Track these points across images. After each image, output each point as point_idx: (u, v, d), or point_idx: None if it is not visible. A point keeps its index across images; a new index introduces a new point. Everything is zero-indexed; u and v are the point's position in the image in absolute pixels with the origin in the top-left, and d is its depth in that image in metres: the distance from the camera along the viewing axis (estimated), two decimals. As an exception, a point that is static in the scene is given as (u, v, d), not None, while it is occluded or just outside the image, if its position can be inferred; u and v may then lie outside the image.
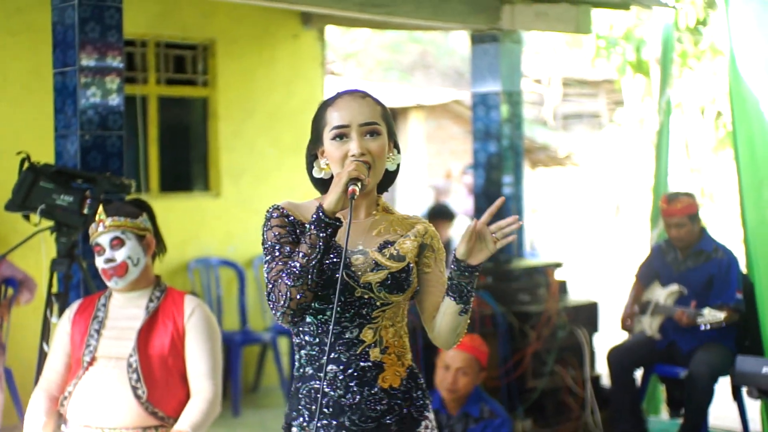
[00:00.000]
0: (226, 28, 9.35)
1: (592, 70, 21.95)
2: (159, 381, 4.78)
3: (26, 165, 5.57)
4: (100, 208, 4.93)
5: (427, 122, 20.57)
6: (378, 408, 3.26)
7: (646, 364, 7.54)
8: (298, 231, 3.27)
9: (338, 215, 3.13)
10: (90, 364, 4.81)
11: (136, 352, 4.78)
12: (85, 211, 5.46)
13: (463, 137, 20.72)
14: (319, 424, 3.26)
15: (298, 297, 3.13)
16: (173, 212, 8.77)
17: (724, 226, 12.48)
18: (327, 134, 3.32)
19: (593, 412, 7.82)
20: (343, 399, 3.25)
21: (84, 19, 5.74)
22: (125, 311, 4.92)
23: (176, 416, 4.79)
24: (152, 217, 5.09)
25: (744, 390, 7.19)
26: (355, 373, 3.25)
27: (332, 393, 3.26)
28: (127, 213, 4.93)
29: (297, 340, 3.35)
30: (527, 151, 17.53)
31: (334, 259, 3.22)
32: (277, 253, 3.23)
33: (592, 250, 20.16)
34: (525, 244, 8.84)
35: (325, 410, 3.26)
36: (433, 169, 20.17)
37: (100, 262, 4.88)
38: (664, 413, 8.29)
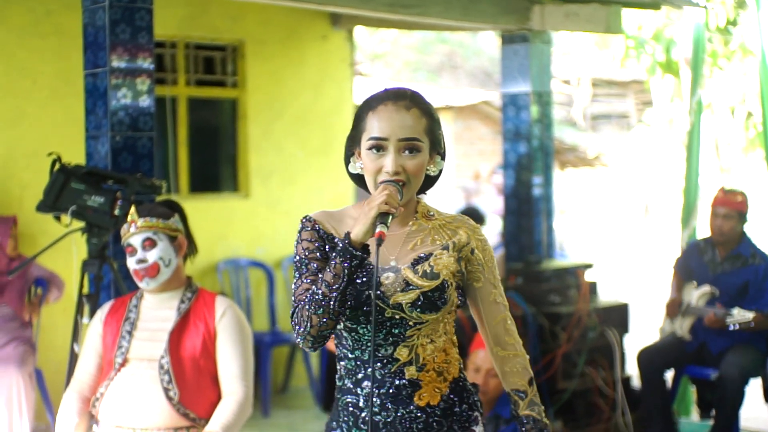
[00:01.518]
0: (255, 29, 9.37)
1: (621, 71, 21.86)
2: (190, 382, 4.79)
3: (57, 166, 5.58)
4: (132, 209, 4.93)
5: (455, 123, 20.56)
6: (413, 427, 3.15)
7: (676, 365, 7.51)
8: (327, 246, 3.15)
9: (368, 241, 3.00)
10: (122, 365, 4.82)
11: (168, 353, 4.78)
12: (116, 212, 5.47)
13: (492, 138, 20.69)
14: None
15: (319, 325, 3.03)
16: (202, 213, 8.78)
17: (754, 227, 12.42)
18: (364, 142, 3.15)
19: (624, 413, 7.79)
20: (377, 416, 3.16)
21: (115, 20, 5.75)
22: (157, 313, 4.93)
23: (207, 417, 4.79)
24: (183, 218, 5.09)
25: (776, 392, 7.16)
26: (391, 391, 3.15)
27: (368, 409, 3.16)
28: (159, 214, 4.93)
29: (338, 351, 3.25)
30: (556, 151, 17.47)
31: (364, 279, 3.11)
32: (305, 270, 3.13)
33: (621, 251, 20.09)
34: (555, 245, 8.81)
35: (361, 425, 3.18)
36: (461, 170, 20.15)
37: (131, 263, 4.88)
38: (695, 415, 8.25)
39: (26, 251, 7.40)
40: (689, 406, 8.35)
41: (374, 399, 3.16)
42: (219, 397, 4.87)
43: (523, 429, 3.27)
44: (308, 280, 3.10)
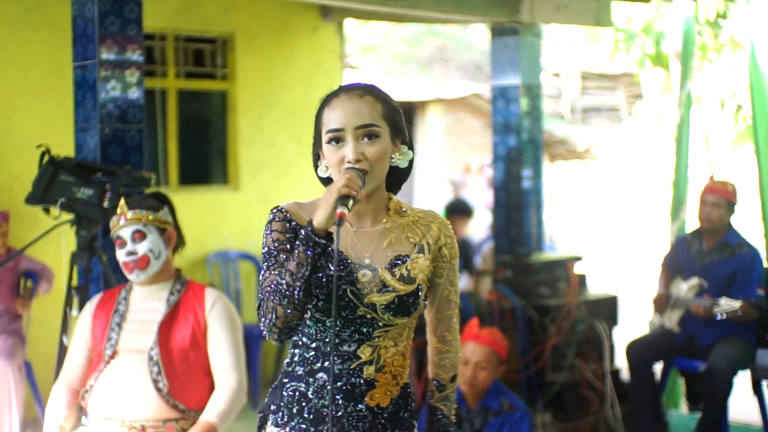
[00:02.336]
0: (245, 21, 9.36)
1: (611, 64, 21.91)
2: (180, 374, 4.79)
3: (46, 158, 5.58)
4: (122, 201, 4.94)
5: (445, 116, 20.55)
6: (359, 425, 3.13)
7: (665, 357, 7.53)
8: (303, 230, 3.02)
9: (331, 230, 2.95)
10: (111, 357, 4.82)
11: (157, 345, 4.79)
12: (105, 204, 5.47)
13: (482, 131, 20.70)
14: (296, 427, 3.15)
15: (285, 316, 2.97)
16: (192, 206, 8.78)
17: (743, 220, 12.45)
18: (324, 137, 3.15)
19: (613, 405, 7.81)
20: (325, 409, 3.11)
21: (104, 12, 5.75)
22: (146, 304, 4.93)
23: (197, 409, 4.80)
24: (172, 211, 5.09)
25: (764, 384, 7.18)
26: (345, 387, 3.11)
27: (316, 401, 3.13)
28: (148, 206, 4.94)
29: (295, 338, 3.19)
30: (546, 144, 17.50)
31: (341, 273, 3.07)
32: (273, 261, 3.06)
33: (611, 244, 20.12)
34: (544, 237, 8.82)
35: (306, 415, 3.14)
36: (451, 163, 20.16)
37: (121, 255, 4.89)
38: (684, 407, 8.27)
39: (16, 243, 7.40)
40: (678, 399, 8.37)
41: (326, 392, 3.12)
42: (208, 389, 4.88)
43: (431, 419, 3.34)
44: (275, 272, 3.03)
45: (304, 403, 3.14)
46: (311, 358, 3.16)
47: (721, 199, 7.29)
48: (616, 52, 14.35)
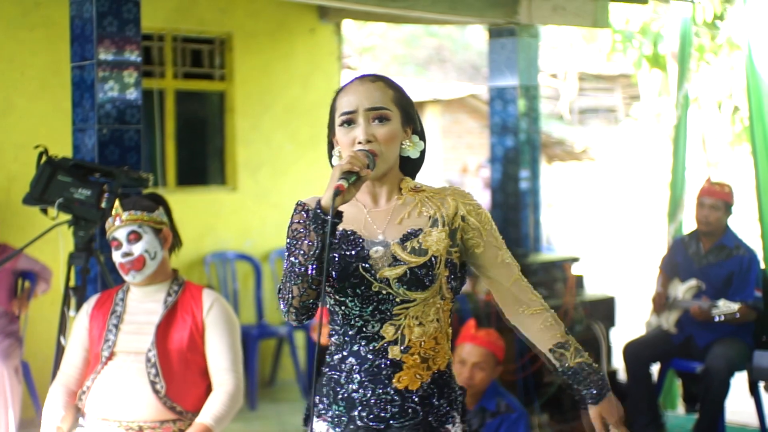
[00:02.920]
0: (243, 22, 9.36)
1: (608, 65, 21.94)
2: (177, 375, 4.79)
3: (44, 159, 5.58)
4: (117, 203, 4.94)
5: (443, 116, 20.55)
6: (389, 408, 3.16)
7: (662, 358, 7.54)
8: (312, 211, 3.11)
9: (341, 208, 3.02)
10: (109, 359, 4.82)
11: (155, 346, 4.78)
12: (103, 204, 5.46)
13: (479, 131, 20.69)
14: (334, 414, 3.22)
15: (300, 295, 3.05)
16: (190, 206, 8.78)
17: (740, 221, 12.46)
18: (337, 120, 3.24)
19: (610, 407, 7.80)
20: (355, 393, 3.17)
21: (102, 13, 5.75)
22: (143, 306, 4.93)
23: (194, 411, 4.80)
24: (168, 211, 5.09)
25: (761, 385, 7.19)
26: (372, 369, 3.16)
27: (347, 386, 3.18)
28: (143, 207, 4.93)
29: (330, 328, 3.27)
30: (543, 145, 17.49)
31: (352, 252, 3.14)
32: (294, 249, 3.10)
33: (608, 245, 20.13)
34: (542, 238, 8.82)
35: (341, 402, 3.19)
36: (449, 164, 20.16)
37: (117, 257, 4.88)
38: (681, 408, 8.28)
39: (13, 243, 7.39)
40: (675, 400, 8.37)
41: (354, 376, 3.17)
42: (206, 391, 4.87)
43: (580, 378, 3.28)
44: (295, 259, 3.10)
45: (338, 389, 3.20)
46: (341, 345, 3.22)
47: (718, 201, 7.30)
48: (613, 54, 14.36)
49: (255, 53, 9.45)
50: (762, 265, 7.36)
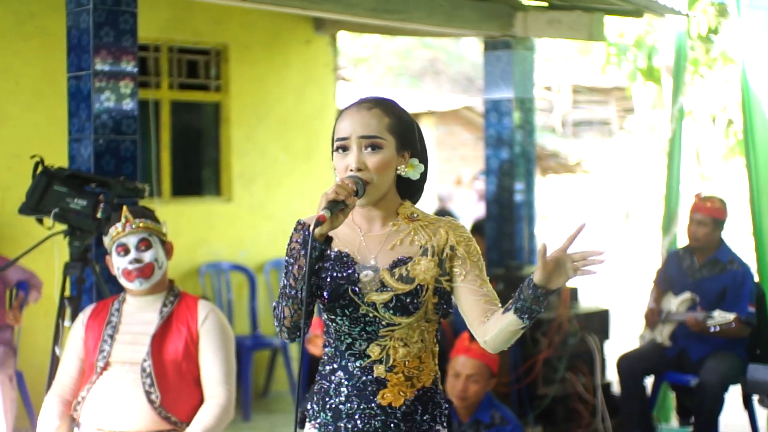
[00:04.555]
0: (238, 33, 9.37)
1: (602, 78, 21.95)
2: (172, 386, 4.79)
3: (40, 169, 5.58)
4: (125, 210, 4.94)
5: (437, 128, 20.61)
6: (372, 423, 3.24)
7: (656, 371, 7.54)
8: (302, 235, 3.24)
9: (331, 234, 3.11)
10: (104, 369, 4.82)
11: (150, 357, 4.79)
12: (99, 215, 5.46)
13: (474, 143, 20.74)
14: (322, 421, 3.29)
15: (291, 315, 3.17)
16: (184, 217, 8.79)
17: (734, 234, 12.48)
18: (333, 145, 3.28)
19: (604, 419, 7.81)
20: (342, 405, 3.26)
21: (99, 23, 5.75)
22: (139, 316, 4.93)
23: (188, 421, 4.80)
24: (158, 225, 5.12)
25: (755, 398, 7.19)
26: (358, 384, 3.25)
27: (335, 398, 3.28)
28: (151, 217, 4.97)
29: (325, 338, 3.35)
30: (538, 158, 17.52)
31: (343, 274, 3.23)
32: (289, 269, 3.21)
33: (602, 258, 20.12)
34: (536, 251, 8.82)
35: (328, 411, 3.28)
36: (443, 175, 20.19)
37: (122, 263, 4.87)
38: (675, 421, 8.27)
39: (8, 253, 7.38)
40: (669, 413, 8.37)
41: (342, 389, 3.27)
42: (200, 401, 4.88)
43: (519, 295, 3.15)
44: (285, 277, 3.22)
45: (327, 399, 3.30)
46: (332, 357, 3.31)
47: (706, 217, 7.31)
48: (607, 66, 14.37)
49: (250, 64, 9.46)
50: (756, 279, 7.36)
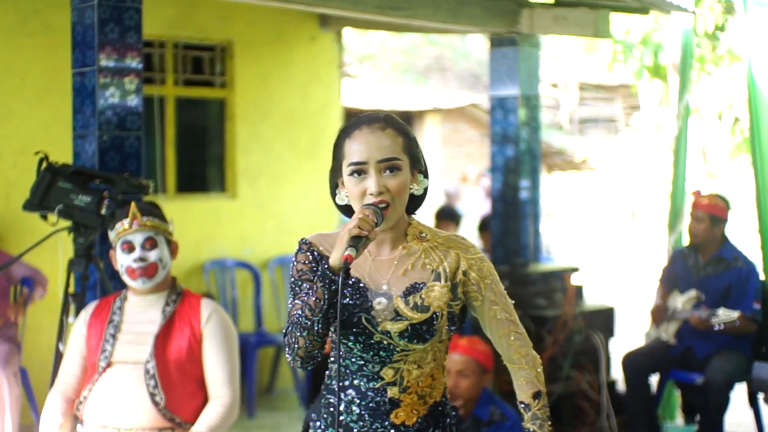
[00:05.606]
0: (243, 29, 9.36)
1: (608, 75, 21.93)
2: (176, 386, 4.78)
3: (44, 165, 5.57)
4: (133, 206, 4.92)
5: (443, 125, 20.57)
6: None
7: (661, 369, 7.53)
8: (320, 267, 3.13)
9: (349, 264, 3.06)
10: (106, 368, 4.81)
11: (153, 357, 4.77)
12: (103, 211, 5.45)
13: (479, 140, 20.71)
14: None
15: (306, 346, 3.10)
16: (189, 213, 8.78)
17: (740, 232, 12.46)
18: (345, 168, 3.20)
19: (609, 417, 7.80)
20: (353, 424, 3.23)
21: (103, 19, 5.74)
22: (141, 315, 4.91)
23: (192, 421, 4.79)
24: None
25: (761, 396, 7.18)
26: (371, 404, 3.22)
27: (347, 417, 3.24)
28: (159, 215, 4.95)
29: (332, 354, 3.30)
30: (543, 155, 17.51)
31: (356, 301, 3.18)
32: (297, 290, 3.19)
33: (608, 255, 20.12)
34: (541, 248, 8.81)
35: (336, 427, 3.22)
36: (448, 173, 20.17)
37: (127, 260, 4.86)
38: (680, 419, 8.26)
39: (13, 250, 7.39)
40: (674, 411, 8.36)
41: (354, 408, 3.23)
42: (204, 401, 4.87)
43: None
44: (300, 301, 3.13)
45: (336, 415, 3.21)
46: (342, 375, 3.27)
47: (704, 214, 7.30)
48: (614, 64, 14.34)
49: (255, 61, 9.45)
50: (762, 277, 7.34)
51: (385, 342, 3.17)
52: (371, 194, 3.14)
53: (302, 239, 3.25)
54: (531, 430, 3.33)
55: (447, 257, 3.25)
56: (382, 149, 3.16)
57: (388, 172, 3.16)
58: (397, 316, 3.16)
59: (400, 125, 3.25)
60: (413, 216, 3.34)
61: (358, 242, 3.01)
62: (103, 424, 4.73)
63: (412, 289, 3.19)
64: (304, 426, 3.40)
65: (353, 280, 3.20)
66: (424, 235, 3.29)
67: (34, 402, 7.14)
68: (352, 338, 3.18)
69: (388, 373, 3.20)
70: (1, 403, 6.72)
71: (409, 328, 3.15)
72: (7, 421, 6.72)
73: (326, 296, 3.04)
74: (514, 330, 3.33)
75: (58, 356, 5.39)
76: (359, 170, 3.16)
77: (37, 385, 7.18)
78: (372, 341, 3.17)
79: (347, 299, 3.17)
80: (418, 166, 3.26)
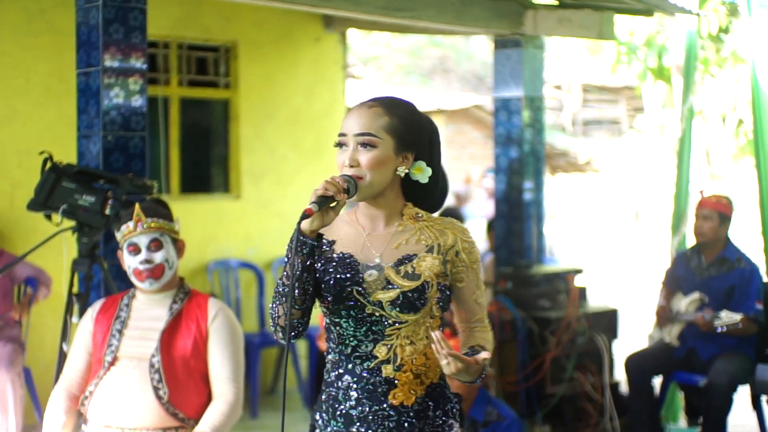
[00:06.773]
0: (248, 30, 9.37)
1: (612, 77, 21.92)
2: (181, 382, 4.78)
3: (49, 165, 5.58)
4: (138, 208, 4.92)
5: (446, 127, 20.59)
6: (386, 424, 3.26)
7: (664, 371, 7.53)
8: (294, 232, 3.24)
9: (322, 231, 3.17)
10: (111, 363, 4.82)
11: (159, 352, 4.78)
12: (107, 211, 5.46)
13: (483, 142, 20.72)
14: (332, 430, 3.31)
15: (285, 314, 3.19)
16: (193, 214, 8.78)
17: (743, 234, 12.46)
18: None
19: (612, 418, 7.80)
20: (353, 410, 3.27)
21: (108, 20, 5.75)
22: (148, 312, 4.92)
23: (196, 418, 4.80)
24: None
25: (764, 399, 7.17)
26: (367, 387, 3.26)
27: (345, 403, 3.29)
28: (164, 215, 4.94)
29: (327, 344, 3.38)
30: (547, 156, 17.52)
31: (347, 275, 3.23)
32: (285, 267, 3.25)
33: (611, 257, 20.12)
34: (545, 249, 8.82)
35: (339, 419, 3.29)
36: (452, 174, 20.16)
37: (133, 262, 4.87)
38: (683, 421, 8.27)
39: (17, 249, 7.40)
40: (677, 413, 8.36)
41: (351, 393, 3.28)
42: (208, 399, 4.87)
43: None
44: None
45: (337, 406, 3.30)
46: (337, 363, 3.32)
47: (712, 212, 7.30)
48: (617, 65, 14.34)
49: (260, 61, 9.46)
50: (765, 278, 7.34)
51: (377, 314, 3.23)
52: (345, 166, 3.23)
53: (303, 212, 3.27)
54: (472, 348, 3.32)
55: (443, 235, 3.33)
56: (359, 124, 3.25)
57: (362, 147, 3.24)
58: (389, 284, 3.23)
59: (396, 107, 3.31)
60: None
61: (322, 201, 3.10)
62: (108, 424, 4.73)
63: (404, 260, 3.27)
64: (310, 428, 3.42)
65: (346, 255, 3.27)
66: (420, 215, 3.37)
67: (38, 402, 7.15)
68: (344, 313, 3.24)
69: (381, 351, 3.25)
70: (4, 403, 6.73)
71: (401, 296, 3.22)
72: (11, 421, 6.73)
73: (299, 261, 3.13)
74: (486, 317, 3.43)
75: (62, 356, 5.40)
76: (341, 142, 3.28)
77: (40, 385, 7.19)
78: (364, 314, 3.23)
79: (339, 274, 3.23)
80: (412, 150, 3.31)
